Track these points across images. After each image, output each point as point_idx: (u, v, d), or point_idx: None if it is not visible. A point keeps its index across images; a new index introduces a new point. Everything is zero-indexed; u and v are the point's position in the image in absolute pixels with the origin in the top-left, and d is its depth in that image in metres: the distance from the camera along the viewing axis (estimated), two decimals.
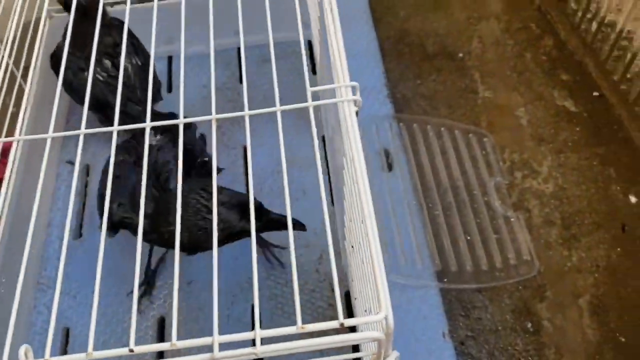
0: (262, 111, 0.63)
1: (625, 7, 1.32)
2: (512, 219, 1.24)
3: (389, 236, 1.15)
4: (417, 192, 1.24)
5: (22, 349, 0.47)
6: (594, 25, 1.44)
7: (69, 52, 0.77)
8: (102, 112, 1.05)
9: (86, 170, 1.32)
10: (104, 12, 1.10)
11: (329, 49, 0.71)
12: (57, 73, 1.16)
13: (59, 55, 1.17)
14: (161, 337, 1.05)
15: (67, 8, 1.13)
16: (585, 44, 1.50)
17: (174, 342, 0.46)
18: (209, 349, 0.46)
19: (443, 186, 1.27)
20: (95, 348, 0.46)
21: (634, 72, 1.33)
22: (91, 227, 1.22)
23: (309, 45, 1.48)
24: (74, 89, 1.10)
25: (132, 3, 0.86)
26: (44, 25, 1.28)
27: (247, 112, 0.61)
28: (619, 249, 1.22)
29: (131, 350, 0.46)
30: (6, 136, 0.91)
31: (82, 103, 0.71)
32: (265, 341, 0.47)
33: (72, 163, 1.31)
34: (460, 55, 1.57)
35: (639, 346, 1.11)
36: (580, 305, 1.16)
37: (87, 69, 1.05)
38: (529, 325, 1.15)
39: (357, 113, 0.61)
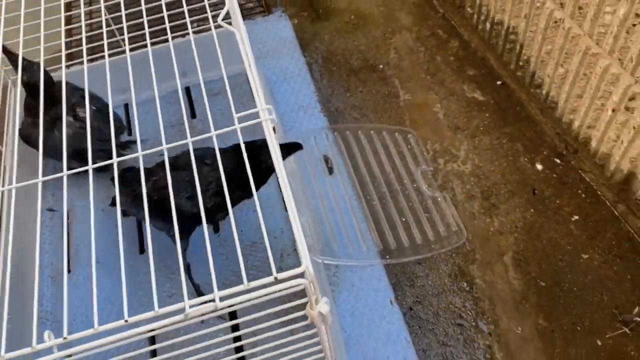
0: (201, 137, 0.80)
1: (507, 7, 1.54)
2: (439, 199, 1.43)
3: (335, 229, 1.33)
4: (355, 188, 1.42)
5: (46, 333, 0.63)
6: (488, 25, 1.66)
7: (32, 122, 0.91)
8: (80, 158, 1.16)
9: (67, 215, 1.47)
10: (51, 82, 1.23)
11: (250, 81, 0.88)
12: (28, 144, 1.31)
13: (24, 131, 1.32)
14: None
15: (26, 88, 1.26)
16: (484, 42, 1.71)
17: (157, 310, 0.62)
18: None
19: (377, 180, 1.45)
20: None
21: (524, 59, 1.55)
22: (78, 263, 1.37)
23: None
24: (49, 148, 1.22)
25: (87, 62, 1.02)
26: (10, 91, 1.44)
27: (189, 139, 0.78)
28: (532, 210, 1.43)
29: (126, 321, 0.62)
30: None
31: (58, 157, 0.86)
32: (223, 299, 0.64)
33: (52, 210, 1.46)
34: (381, 66, 1.77)
35: (556, 287, 1.31)
36: (505, 262, 1.36)
37: (56, 128, 1.19)
38: (465, 284, 1.34)
39: (274, 129, 0.79)
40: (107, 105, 1.05)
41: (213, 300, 0.63)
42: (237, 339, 0.98)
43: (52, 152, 1.04)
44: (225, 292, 0.64)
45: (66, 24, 1.23)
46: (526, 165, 1.50)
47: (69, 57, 1.45)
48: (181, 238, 0.70)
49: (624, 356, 1.21)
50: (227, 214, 0.79)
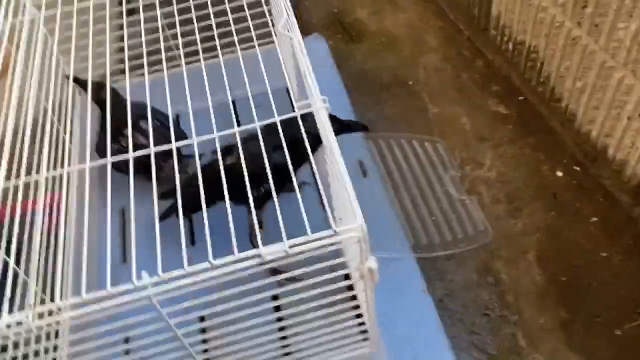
0: (247, 127, 0.93)
1: (528, 28, 1.66)
2: (466, 202, 1.54)
3: (370, 225, 1.43)
4: (388, 190, 1.54)
5: (144, 273, 0.74)
6: (510, 45, 1.79)
7: (105, 141, 0.98)
8: (144, 169, 1.20)
9: (122, 213, 1.59)
10: (119, 99, 1.33)
11: (304, 80, 1.01)
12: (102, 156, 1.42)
13: (99, 145, 1.39)
14: None
15: (98, 103, 1.37)
16: (507, 61, 1.84)
17: (236, 254, 0.74)
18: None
19: (408, 183, 1.57)
20: None
21: (544, 76, 1.67)
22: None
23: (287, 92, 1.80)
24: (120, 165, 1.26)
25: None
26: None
27: (236, 129, 0.92)
28: (553, 213, 1.52)
29: (211, 264, 0.74)
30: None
31: (125, 170, 0.94)
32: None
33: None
34: (410, 82, 1.90)
35: (576, 282, 1.40)
36: (528, 259, 1.45)
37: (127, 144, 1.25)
38: (491, 279, 1.43)
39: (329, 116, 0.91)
40: (167, 117, 1.14)
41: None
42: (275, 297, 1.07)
43: (118, 165, 1.09)
44: (292, 241, 0.75)
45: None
46: (547, 172, 1.60)
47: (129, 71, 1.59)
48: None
49: None
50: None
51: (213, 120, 1.00)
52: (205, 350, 0.95)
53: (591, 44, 1.42)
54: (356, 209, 0.76)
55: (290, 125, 0.94)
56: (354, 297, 1.04)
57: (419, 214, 1.50)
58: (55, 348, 0.93)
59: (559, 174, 1.59)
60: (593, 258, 1.43)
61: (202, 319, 0.90)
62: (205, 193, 0.84)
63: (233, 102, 1.80)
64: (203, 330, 0.96)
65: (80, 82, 1.32)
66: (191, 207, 0.96)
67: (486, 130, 1.72)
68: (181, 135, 1.53)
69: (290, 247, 0.75)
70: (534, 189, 1.57)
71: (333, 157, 0.84)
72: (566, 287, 1.39)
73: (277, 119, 0.95)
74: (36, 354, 0.87)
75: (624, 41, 1.30)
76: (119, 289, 0.74)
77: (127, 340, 0.88)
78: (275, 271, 1.00)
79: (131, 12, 1.27)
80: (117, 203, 0.88)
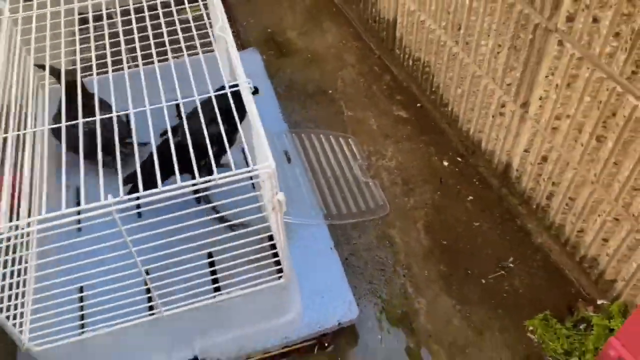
0: (187, 100, 1.21)
1: (422, 47, 2.02)
2: (370, 184, 1.85)
3: (290, 198, 1.72)
4: (308, 173, 1.83)
5: (109, 195, 1.00)
6: (410, 62, 2.14)
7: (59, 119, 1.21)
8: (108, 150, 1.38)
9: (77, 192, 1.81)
10: (84, 88, 1.54)
11: (233, 67, 1.30)
12: (56, 137, 1.61)
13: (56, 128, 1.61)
14: None
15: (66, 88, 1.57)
16: (408, 75, 2.19)
17: (197, 178, 1.01)
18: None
19: (324, 168, 1.87)
20: None
21: (435, 86, 2.03)
22: None
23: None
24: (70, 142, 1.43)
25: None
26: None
27: (180, 100, 1.19)
28: (438, 193, 1.86)
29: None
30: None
31: (76, 151, 1.18)
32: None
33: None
34: (330, 91, 2.22)
35: (454, 245, 1.72)
36: (417, 228, 1.77)
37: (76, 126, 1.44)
38: (387, 243, 1.74)
39: (252, 92, 1.20)
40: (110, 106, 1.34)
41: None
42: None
43: (70, 144, 1.28)
44: (222, 174, 1.03)
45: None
46: (436, 162, 1.94)
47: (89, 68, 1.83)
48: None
49: (501, 290, 1.61)
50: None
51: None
52: (147, 272, 1.20)
53: (465, 58, 1.78)
54: (267, 152, 1.05)
55: (222, 99, 1.23)
56: (271, 240, 1.32)
57: (331, 191, 1.80)
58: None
59: (445, 163, 1.94)
60: (468, 227, 1.76)
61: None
62: (160, 169, 1.05)
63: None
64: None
65: (53, 71, 1.54)
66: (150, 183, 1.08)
67: (389, 129, 2.06)
68: (126, 123, 1.77)
69: (220, 178, 1.03)
70: (425, 175, 1.91)
71: (253, 118, 1.13)
72: (446, 249, 1.72)
73: (212, 93, 1.23)
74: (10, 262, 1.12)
75: (486, 55, 1.67)
76: (88, 206, 1.00)
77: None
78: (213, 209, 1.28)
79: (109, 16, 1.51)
80: (73, 181, 1.14)
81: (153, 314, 1.28)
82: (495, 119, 1.74)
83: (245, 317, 1.40)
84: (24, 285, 1.23)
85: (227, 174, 1.03)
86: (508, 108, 1.66)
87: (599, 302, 1.52)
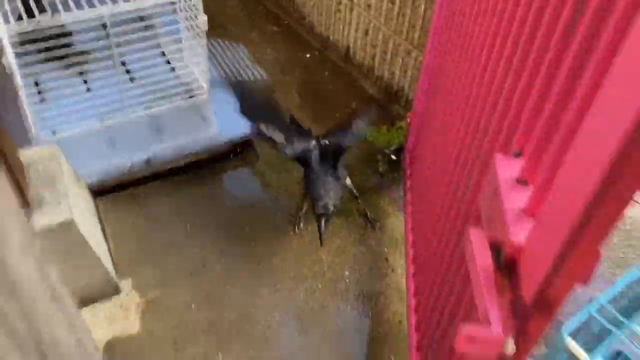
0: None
1: None
2: (255, 71, 2.56)
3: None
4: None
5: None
6: None
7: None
8: None
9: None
10: None
11: None
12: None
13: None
14: None
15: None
16: (275, 3, 2.93)
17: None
18: None
19: (224, 62, 2.55)
20: None
21: (296, 7, 2.78)
22: None
23: None
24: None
25: None
26: None
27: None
28: (304, 73, 2.60)
29: None
30: None
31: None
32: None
33: None
34: (222, 17, 2.90)
35: (317, 98, 2.47)
36: (293, 92, 2.50)
37: None
38: (274, 102, 2.45)
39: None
40: None
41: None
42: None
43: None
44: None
45: None
46: (302, 56, 2.70)
47: None
48: None
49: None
50: None
51: None
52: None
53: None
54: None
55: None
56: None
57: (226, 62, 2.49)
58: None
59: (307, 55, 2.70)
60: (325, 89, 2.52)
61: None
62: None
63: None
64: None
65: None
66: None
67: (267, 39, 2.78)
68: None
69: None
70: (294, 63, 2.65)
71: None
72: (312, 101, 2.46)
73: None
74: None
75: None
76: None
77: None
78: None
79: None
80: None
81: None
82: (336, 15, 2.53)
83: (179, 129, 2.05)
84: None
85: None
86: (343, 4, 2.45)
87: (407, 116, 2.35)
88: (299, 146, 1.80)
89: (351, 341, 1.68)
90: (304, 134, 1.93)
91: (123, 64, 2.16)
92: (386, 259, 1.89)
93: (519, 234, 0.66)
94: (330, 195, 1.71)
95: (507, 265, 0.68)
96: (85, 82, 2.23)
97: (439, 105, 1.53)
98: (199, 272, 1.82)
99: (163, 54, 2.32)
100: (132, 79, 2.20)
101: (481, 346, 0.59)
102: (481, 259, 0.67)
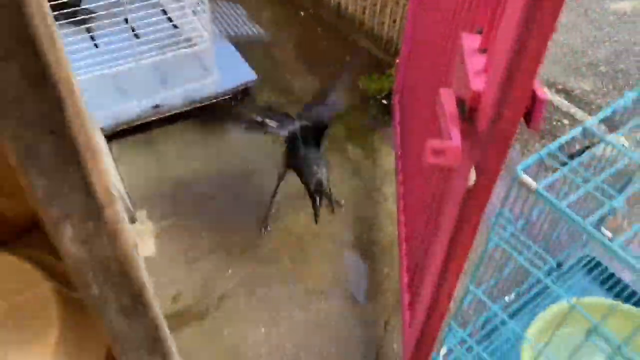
0: None
1: None
2: (256, 29, 2.69)
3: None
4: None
5: None
6: None
7: None
8: None
9: None
10: None
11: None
12: None
13: None
14: None
15: None
16: None
17: None
18: None
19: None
20: None
21: None
22: None
23: None
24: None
25: None
26: None
27: None
28: (300, 29, 2.74)
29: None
30: None
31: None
32: None
33: None
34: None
35: (311, 53, 2.61)
36: (289, 46, 2.63)
37: None
38: (271, 53, 2.58)
39: None
40: None
41: None
42: None
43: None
44: None
45: None
46: (299, 14, 2.83)
47: None
48: None
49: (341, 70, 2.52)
50: None
51: None
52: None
53: None
54: None
55: None
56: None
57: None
58: None
59: (302, 13, 2.83)
60: (320, 43, 2.66)
61: None
62: None
63: None
64: None
65: None
66: None
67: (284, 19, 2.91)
68: None
69: None
70: (291, 21, 2.78)
71: None
72: (307, 55, 2.60)
73: None
74: None
75: None
76: None
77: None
78: None
79: None
80: None
81: None
82: None
83: (184, 77, 2.18)
84: None
85: None
86: None
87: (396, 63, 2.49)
88: (289, 128, 1.79)
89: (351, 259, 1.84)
90: (288, 117, 1.91)
91: (126, 21, 2.29)
92: (379, 189, 2.05)
93: (478, 83, 0.80)
94: (323, 171, 1.72)
95: (469, 116, 0.83)
96: (92, 38, 2.36)
97: (428, 22, 1.68)
98: (206, 204, 1.97)
99: (164, 12, 2.45)
100: (137, 36, 2.33)
101: (445, 158, 0.73)
102: (449, 107, 0.82)
